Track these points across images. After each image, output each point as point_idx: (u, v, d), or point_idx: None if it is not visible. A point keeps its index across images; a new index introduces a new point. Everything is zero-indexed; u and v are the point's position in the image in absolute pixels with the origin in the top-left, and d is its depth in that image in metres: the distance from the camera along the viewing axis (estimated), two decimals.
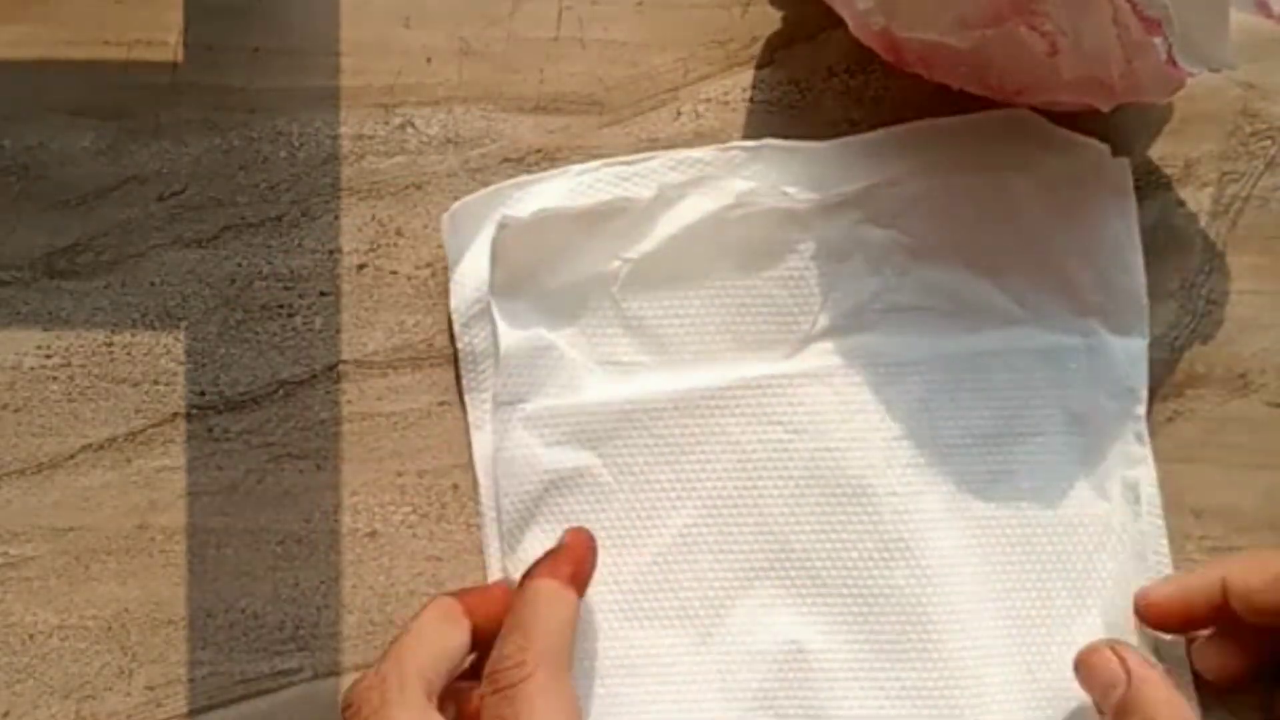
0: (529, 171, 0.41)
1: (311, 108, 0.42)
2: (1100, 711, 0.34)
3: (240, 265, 0.41)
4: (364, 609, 0.39)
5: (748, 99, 0.42)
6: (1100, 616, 0.37)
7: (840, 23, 0.38)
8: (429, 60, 0.42)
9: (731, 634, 0.38)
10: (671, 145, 0.41)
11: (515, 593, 0.35)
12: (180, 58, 0.42)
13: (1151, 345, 0.39)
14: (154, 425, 0.40)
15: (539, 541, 0.38)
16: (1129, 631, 0.36)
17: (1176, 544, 0.38)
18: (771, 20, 0.42)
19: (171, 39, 0.42)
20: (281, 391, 0.40)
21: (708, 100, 0.42)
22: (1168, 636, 0.37)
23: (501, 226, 0.39)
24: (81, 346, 0.41)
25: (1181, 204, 0.41)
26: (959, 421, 0.39)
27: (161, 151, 0.42)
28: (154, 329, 0.41)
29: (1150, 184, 0.40)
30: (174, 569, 0.40)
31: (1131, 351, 0.39)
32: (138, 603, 0.39)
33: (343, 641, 0.39)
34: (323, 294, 0.41)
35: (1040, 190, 0.39)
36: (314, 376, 0.40)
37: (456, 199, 0.40)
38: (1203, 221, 0.40)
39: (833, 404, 0.39)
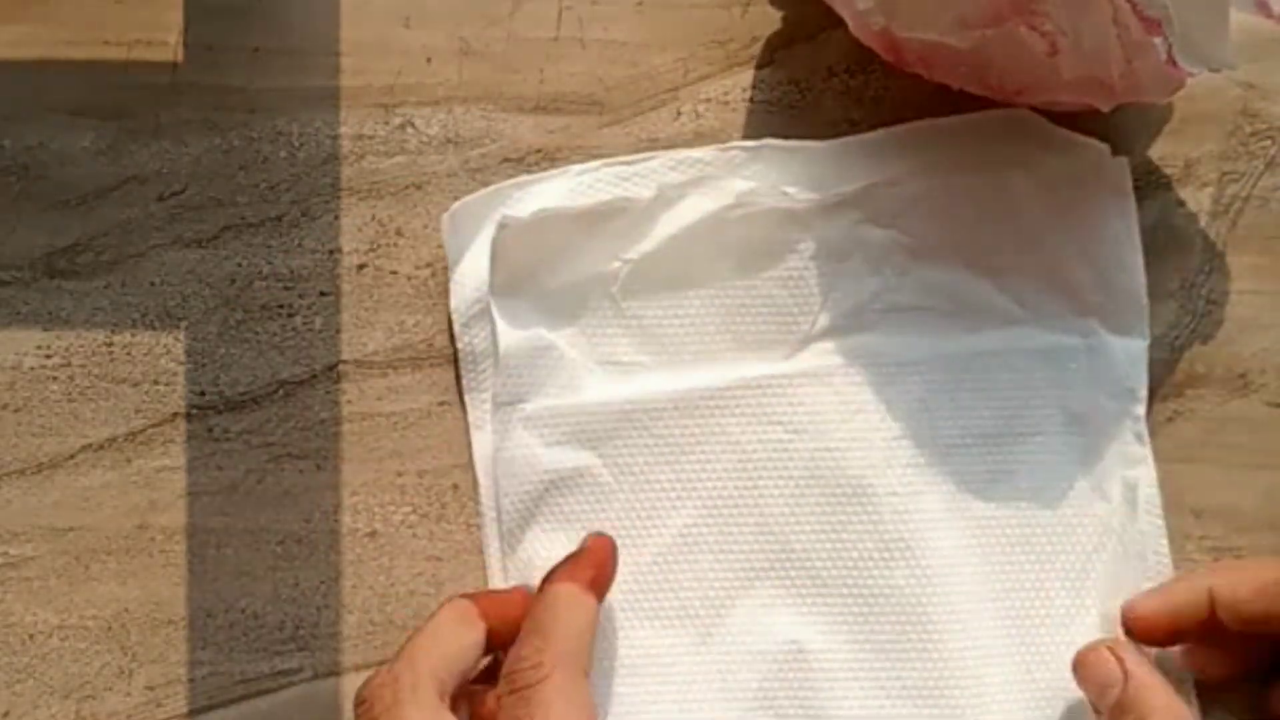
0: (529, 171, 0.41)
1: (311, 108, 0.42)
2: (1097, 711, 0.34)
3: (240, 265, 0.41)
4: (364, 609, 0.39)
5: (748, 99, 0.42)
6: (1099, 617, 0.37)
7: (840, 23, 0.38)
8: (429, 60, 0.42)
9: (732, 634, 0.38)
10: (671, 145, 0.41)
11: (535, 595, 0.35)
12: (180, 58, 0.42)
13: (1151, 345, 0.39)
14: (154, 425, 0.40)
15: (539, 541, 0.38)
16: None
17: (1176, 544, 0.38)
18: (771, 20, 0.42)
19: (171, 39, 0.42)
20: (281, 391, 0.40)
21: (708, 100, 0.42)
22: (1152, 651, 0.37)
23: (501, 226, 0.39)
24: (81, 346, 0.41)
25: (1181, 204, 0.41)
26: (959, 421, 0.39)
27: (161, 151, 0.42)
28: (154, 329, 0.41)
29: (1150, 184, 0.40)
30: (174, 569, 0.40)
31: (1131, 351, 0.39)
32: (138, 603, 0.40)
33: (343, 641, 0.39)
34: (323, 294, 0.41)
35: (1040, 190, 0.39)
36: (314, 376, 0.40)
37: (456, 199, 0.40)
38: (1203, 221, 0.40)
39: (833, 404, 0.39)
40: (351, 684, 0.38)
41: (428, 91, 0.42)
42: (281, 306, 0.41)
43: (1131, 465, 0.38)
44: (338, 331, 0.41)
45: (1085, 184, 0.39)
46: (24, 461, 0.40)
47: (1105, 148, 0.39)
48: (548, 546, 0.37)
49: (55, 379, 0.41)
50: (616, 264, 0.39)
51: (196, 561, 0.40)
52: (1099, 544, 0.37)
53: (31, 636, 0.39)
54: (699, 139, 0.41)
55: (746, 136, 0.41)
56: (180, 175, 0.42)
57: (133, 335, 0.41)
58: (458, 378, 0.40)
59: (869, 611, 0.37)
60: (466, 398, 0.40)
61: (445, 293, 0.40)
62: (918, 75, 0.38)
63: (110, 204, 0.41)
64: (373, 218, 0.41)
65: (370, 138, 0.42)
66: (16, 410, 0.41)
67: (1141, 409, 0.38)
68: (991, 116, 0.39)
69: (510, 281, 0.39)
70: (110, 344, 0.41)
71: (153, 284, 0.41)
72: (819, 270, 0.39)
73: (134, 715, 0.39)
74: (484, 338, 0.40)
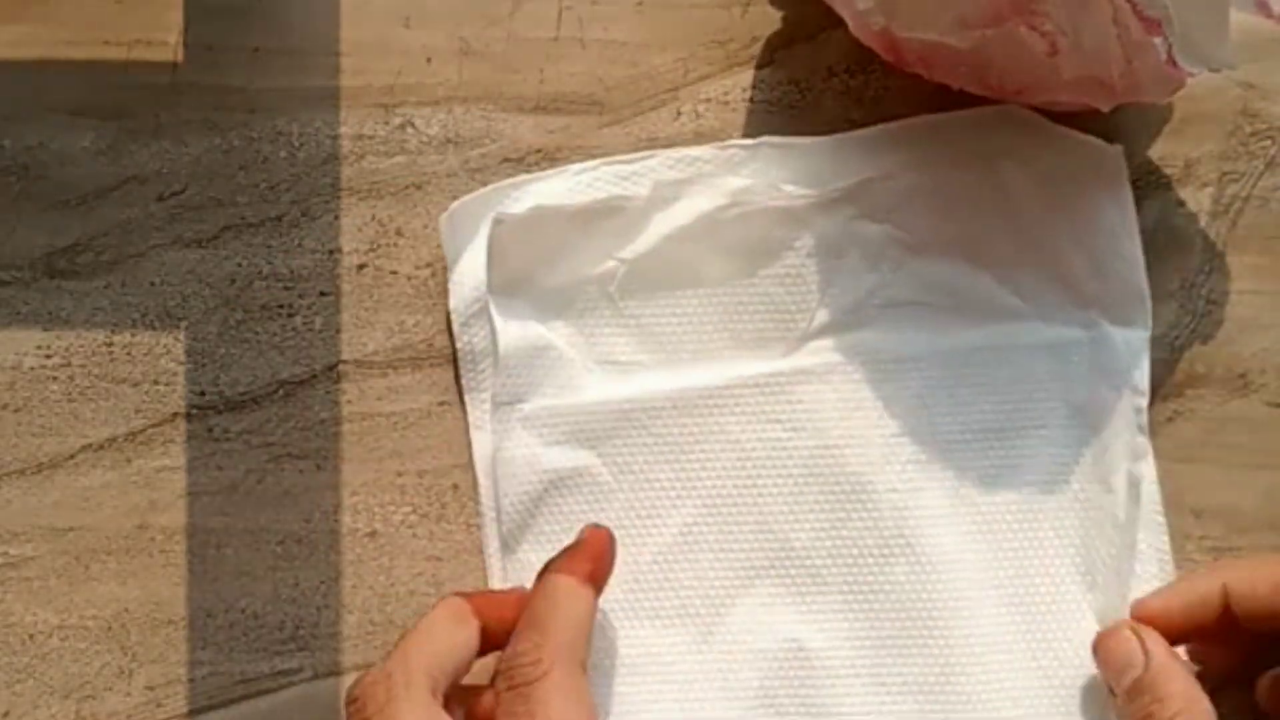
0: (529, 171, 0.41)
1: (311, 108, 0.42)
2: (1112, 693, 0.34)
3: (240, 265, 0.41)
4: (364, 609, 0.39)
5: (748, 99, 0.42)
6: (1102, 608, 0.37)
7: (840, 23, 0.38)
8: (429, 60, 0.42)
9: (732, 632, 0.38)
10: (671, 145, 0.41)
11: (533, 587, 0.35)
12: (180, 58, 0.42)
13: (1151, 345, 0.39)
14: (154, 425, 0.40)
15: (539, 541, 0.38)
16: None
17: (1176, 544, 0.38)
18: (771, 20, 0.42)
19: (171, 39, 0.42)
20: (281, 391, 0.40)
21: (708, 100, 0.42)
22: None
23: (497, 222, 0.39)
24: (81, 346, 0.41)
25: (1181, 204, 0.41)
26: (959, 417, 0.39)
27: (161, 151, 0.42)
28: (154, 329, 0.41)
29: (1150, 184, 0.40)
30: (174, 569, 0.40)
31: (1133, 343, 0.38)
32: (138, 603, 0.40)
33: (343, 641, 0.39)
34: (323, 294, 0.41)
35: (1034, 182, 0.39)
36: (314, 376, 0.40)
37: (456, 199, 0.40)
38: (1203, 221, 0.40)
39: (831, 401, 0.39)
40: None
41: (428, 91, 0.42)
42: (281, 306, 0.41)
43: (1136, 458, 0.38)
44: (338, 331, 0.41)
45: (1080, 175, 0.39)
46: (24, 461, 0.40)
47: (1099, 141, 0.39)
48: (547, 546, 0.37)
49: (55, 379, 0.41)
50: (614, 263, 0.39)
51: (196, 561, 0.40)
52: (1103, 535, 0.37)
53: (31, 636, 0.39)
54: (699, 139, 0.41)
55: (746, 136, 0.41)
56: (180, 175, 0.42)
57: (133, 335, 0.41)
58: (457, 378, 0.40)
59: (870, 608, 0.37)
60: (466, 398, 0.40)
61: (445, 292, 0.40)
62: (918, 75, 0.38)
63: (110, 204, 0.41)
64: (373, 218, 0.41)
65: (370, 138, 0.42)
66: (16, 410, 0.41)
67: (1144, 401, 0.38)
68: (985, 112, 0.39)
69: (509, 281, 0.39)
70: (110, 344, 0.41)
71: (153, 284, 0.41)
72: (816, 267, 0.39)
73: (134, 715, 0.39)
74: (483, 337, 0.40)
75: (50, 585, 0.40)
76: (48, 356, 0.41)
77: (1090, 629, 0.36)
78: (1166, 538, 0.38)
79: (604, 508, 0.39)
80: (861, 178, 0.39)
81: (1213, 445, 0.39)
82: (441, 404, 0.40)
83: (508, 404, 0.39)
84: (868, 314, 0.39)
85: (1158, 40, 0.33)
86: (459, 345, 0.40)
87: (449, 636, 0.34)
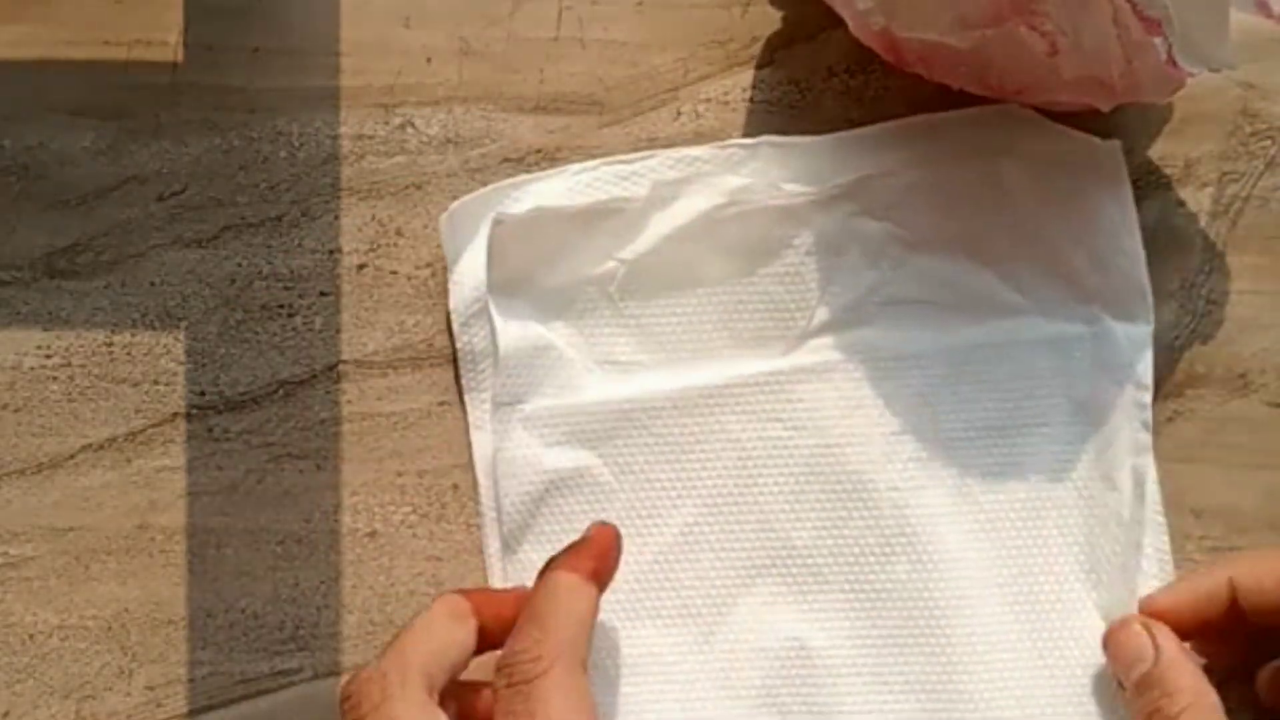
0: (529, 171, 0.41)
1: (311, 108, 0.42)
2: (1121, 686, 0.34)
3: (240, 265, 0.41)
4: (364, 609, 0.39)
5: (748, 99, 0.42)
6: (1106, 605, 0.37)
7: (840, 23, 0.38)
8: (429, 60, 0.42)
9: (734, 632, 0.38)
10: (671, 145, 0.41)
11: (534, 584, 0.34)
12: (180, 58, 0.42)
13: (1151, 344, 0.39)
14: (154, 425, 0.40)
15: (540, 542, 0.38)
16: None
17: (1176, 544, 0.38)
18: (771, 20, 0.42)
19: (171, 39, 0.42)
20: (281, 391, 0.40)
21: (708, 100, 0.42)
22: None
23: (497, 222, 0.39)
24: (81, 346, 0.41)
25: (1181, 204, 0.41)
26: (961, 414, 0.38)
27: (161, 151, 0.42)
28: (154, 329, 0.41)
29: (1150, 184, 0.40)
30: (174, 569, 0.40)
31: (1136, 338, 0.38)
32: (138, 603, 0.39)
33: (343, 641, 0.39)
34: (323, 294, 0.41)
35: (1033, 178, 0.39)
36: (314, 376, 0.40)
37: (456, 199, 0.40)
38: (1203, 221, 0.40)
39: (832, 399, 0.39)
40: None
41: (428, 91, 0.42)
42: (281, 306, 0.41)
43: (1140, 453, 0.38)
44: (338, 331, 0.41)
45: (1078, 171, 0.39)
46: (24, 461, 0.40)
47: (1097, 138, 0.39)
48: (548, 546, 0.37)
49: (55, 379, 0.41)
50: (614, 263, 0.39)
51: (196, 561, 0.40)
52: (1108, 533, 0.37)
53: (31, 636, 0.39)
54: (699, 139, 0.41)
55: (746, 136, 0.41)
56: (180, 175, 0.42)
57: (133, 335, 0.41)
58: (457, 378, 0.40)
59: (872, 606, 0.37)
60: (466, 398, 0.40)
61: (445, 293, 0.40)
62: (918, 75, 0.38)
63: (110, 204, 0.41)
64: (373, 218, 0.41)
65: (370, 138, 0.42)
66: (16, 410, 0.40)
67: (1148, 396, 0.38)
68: (985, 111, 0.39)
69: (508, 281, 0.39)
70: (110, 344, 0.41)
71: (153, 284, 0.41)
72: (816, 265, 0.39)
73: (134, 715, 0.39)
74: (483, 337, 0.40)
75: (50, 585, 0.40)
76: (48, 356, 0.41)
77: (1094, 627, 0.36)
78: (1166, 538, 0.38)
79: (605, 508, 0.39)
80: (861, 175, 0.39)
81: (1213, 445, 0.39)
82: (441, 404, 0.40)
83: (508, 404, 0.39)
84: (868, 312, 0.39)
85: (1158, 40, 0.33)
86: (459, 345, 0.40)
87: (446, 634, 0.33)
